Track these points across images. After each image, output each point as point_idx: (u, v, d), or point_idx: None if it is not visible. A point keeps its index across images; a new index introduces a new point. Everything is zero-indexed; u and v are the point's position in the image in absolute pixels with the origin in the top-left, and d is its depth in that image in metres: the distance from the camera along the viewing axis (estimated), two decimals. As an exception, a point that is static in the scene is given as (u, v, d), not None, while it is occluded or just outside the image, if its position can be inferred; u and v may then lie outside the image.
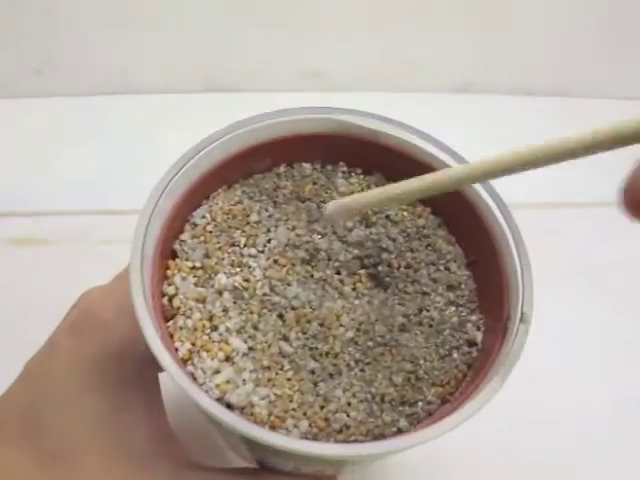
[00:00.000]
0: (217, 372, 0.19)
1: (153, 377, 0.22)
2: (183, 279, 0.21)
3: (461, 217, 0.23)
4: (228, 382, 0.19)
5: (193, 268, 0.21)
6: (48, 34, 0.46)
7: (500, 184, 0.22)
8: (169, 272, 0.21)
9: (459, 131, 0.35)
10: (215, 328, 0.20)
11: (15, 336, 0.31)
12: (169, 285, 0.21)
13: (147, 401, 0.22)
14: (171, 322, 0.20)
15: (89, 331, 0.22)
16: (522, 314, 0.19)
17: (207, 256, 0.22)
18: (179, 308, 0.20)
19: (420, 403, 0.20)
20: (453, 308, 0.22)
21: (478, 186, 0.22)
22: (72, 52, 0.47)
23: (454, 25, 0.49)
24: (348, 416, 0.19)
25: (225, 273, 0.21)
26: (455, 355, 0.21)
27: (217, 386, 0.19)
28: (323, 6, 0.47)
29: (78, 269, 0.36)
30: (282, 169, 0.24)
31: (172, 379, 0.17)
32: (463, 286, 0.22)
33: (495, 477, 0.31)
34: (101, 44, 0.47)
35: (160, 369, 0.23)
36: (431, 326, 0.22)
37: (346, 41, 0.49)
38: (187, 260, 0.22)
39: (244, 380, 0.19)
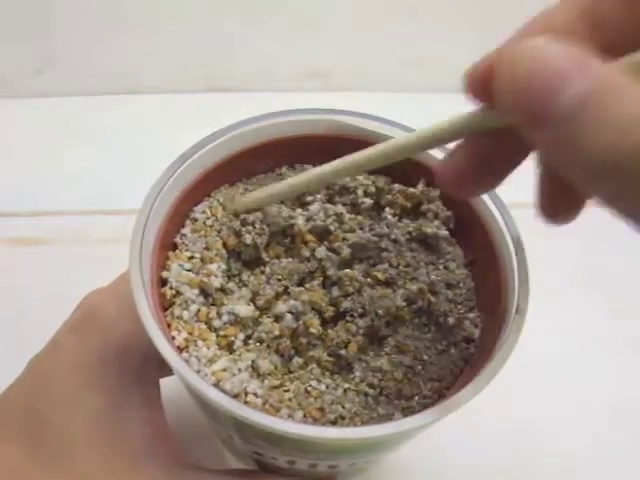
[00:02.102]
0: (213, 360, 0.19)
1: (153, 376, 0.22)
2: (179, 266, 0.21)
3: (461, 218, 0.23)
4: (224, 370, 0.19)
5: (191, 258, 0.22)
6: (48, 34, 0.46)
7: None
8: (168, 262, 0.21)
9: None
10: (213, 318, 0.20)
11: (15, 336, 0.31)
12: (165, 270, 0.21)
13: (146, 399, 0.22)
14: (168, 311, 0.20)
15: (91, 328, 0.22)
16: (517, 308, 0.19)
17: (207, 249, 0.22)
18: (175, 295, 0.21)
19: (416, 397, 0.20)
20: (452, 305, 0.22)
21: None
22: (72, 52, 0.47)
23: (454, 25, 0.49)
24: (343, 407, 0.20)
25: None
26: (453, 351, 0.21)
27: (213, 373, 0.19)
28: (324, 6, 0.47)
29: (78, 269, 0.36)
30: (284, 170, 0.25)
31: (171, 366, 0.17)
32: (461, 285, 0.22)
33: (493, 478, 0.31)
34: (101, 44, 0.47)
35: (161, 373, 0.23)
36: None
37: (346, 41, 0.49)
38: (187, 251, 0.22)
39: (239, 369, 0.19)
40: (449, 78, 0.51)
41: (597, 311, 0.37)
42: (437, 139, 0.17)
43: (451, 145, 0.17)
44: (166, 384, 0.24)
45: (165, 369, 0.23)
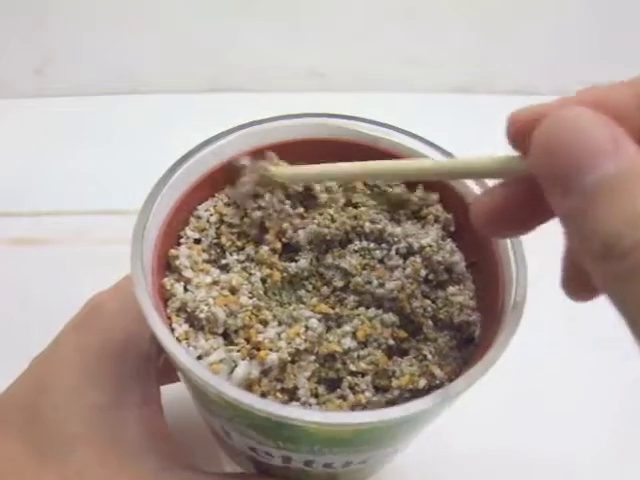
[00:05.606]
0: (210, 352, 0.19)
1: (152, 375, 0.23)
2: (189, 253, 0.22)
3: (461, 220, 0.23)
4: (221, 362, 0.19)
5: (203, 249, 0.22)
6: (48, 34, 0.46)
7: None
8: (170, 257, 0.22)
9: (459, 131, 0.35)
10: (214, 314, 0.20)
11: (15, 336, 0.31)
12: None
13: (145, 399, 0.22)
14: (169, 302, 0.21)
15: (92, 327, 0.22)
16: (514, 302, 0.19)
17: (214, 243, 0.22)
18: (174, 283, 0.21)
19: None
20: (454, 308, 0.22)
21: (477, 190, 0.22)
22: (72, 52, 0.47)
23: (454, 25, 0.49)
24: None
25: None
26: (453, 352, 0.21)
27: (210, 365, 0.19)
28: (324, 7, 0.47)
29: (78, 269, 0.36)
30: None
31: (174, 358, 0.17)
32: (462, 287, 0.23)
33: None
34: (102, 44, 0.47)
35: (162, 379, 0.23)
36: None
37: (347, 41, 0.49)
38: (191, 247, 0.22)
39: (234, 361, 0.19)
40: (449, 78, 0.51)
41: (597, 309, 0.37)
42: (468, 172, 0.17)
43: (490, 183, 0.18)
44: (166, 387, 0.24)
45: (164, 375, 0.23)
